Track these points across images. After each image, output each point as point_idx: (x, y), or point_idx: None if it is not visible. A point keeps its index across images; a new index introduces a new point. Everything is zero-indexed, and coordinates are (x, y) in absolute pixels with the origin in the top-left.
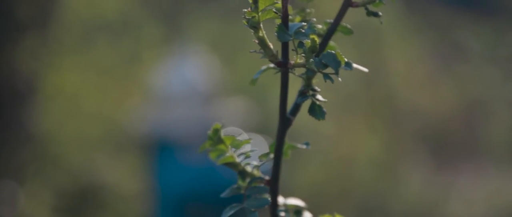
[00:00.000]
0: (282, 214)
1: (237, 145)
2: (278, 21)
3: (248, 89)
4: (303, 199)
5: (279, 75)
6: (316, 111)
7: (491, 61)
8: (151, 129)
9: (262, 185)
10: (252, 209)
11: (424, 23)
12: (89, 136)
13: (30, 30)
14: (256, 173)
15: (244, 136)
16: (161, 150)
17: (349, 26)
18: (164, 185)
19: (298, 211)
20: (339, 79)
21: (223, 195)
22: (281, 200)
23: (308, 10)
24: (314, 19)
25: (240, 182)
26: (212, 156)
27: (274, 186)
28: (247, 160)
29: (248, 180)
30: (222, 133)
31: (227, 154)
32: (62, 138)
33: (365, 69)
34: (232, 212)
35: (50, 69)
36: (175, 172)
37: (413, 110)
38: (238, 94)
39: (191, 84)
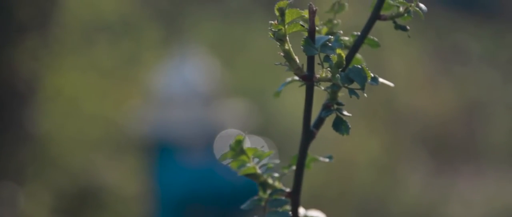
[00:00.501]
0: None
1: (259, 156)
2: (305, 34)
3: (248, 91)
4: (303, 201)
5: (280, 78)
6: (340, 126)
7: (491, 64)
8: (151, 130)
9: (283, 197)
10: None
11: (424, 25)
12: (89, 137)
13: (30, 31)
14: (278, 185)
15: (246, 139)
16: (161, 152)
17: (376, 39)
18: (163, 187)
19: None
20: (365, 95)
21: (243, 207)
22: (301, 211)
23: (335, 22)
24: (341, 31)
25: (261, 194)
26: (233, 166)
27: (295, 199)
28: (268, 172)
29: (269, 191)
30: (244, 144)
31: (249, 165)
32: (62, 139)
33: (391, 84)
34: None
35: (50, 70)
36: (175, 174)
37: (413, 112)
38: (238, 96)
39: (191, 85)
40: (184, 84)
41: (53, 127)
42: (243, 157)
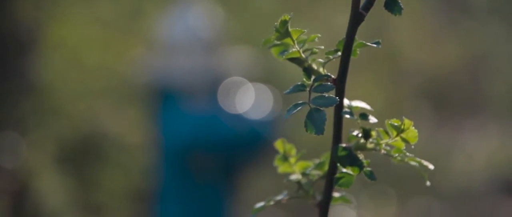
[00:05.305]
0: (347, 115)
1: (303, 41)
2: None
3: (252, 39)
4: (306, 154)
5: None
6: (393, 6)
7: (495, 17)
8: (154, 78)
9: (329, 83)
10: (320, 108)
11: None
12: (91, 86)
13: None
14: (322, 70)
15: (249, 85)
16: (164, 99)
17: None
18: (167, 134)
19: (363, 114)
20: None
21: (285, 92)
22: (346, 101)
23: None
24: None
25: (305, 80)
26: (275, 51)
27: (340, 86)
28: (313, 56)
29: (313, 77)
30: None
31: (293, 49)
32: (65, 89)
33: None
34: (297, 109)
35: (52, 19)
36: (178, 121)
37: (416, 66)
38: (242, 43)
39: (194, 32)
40: (188, 32)
41: (55, 77)
42: (288, 40)
